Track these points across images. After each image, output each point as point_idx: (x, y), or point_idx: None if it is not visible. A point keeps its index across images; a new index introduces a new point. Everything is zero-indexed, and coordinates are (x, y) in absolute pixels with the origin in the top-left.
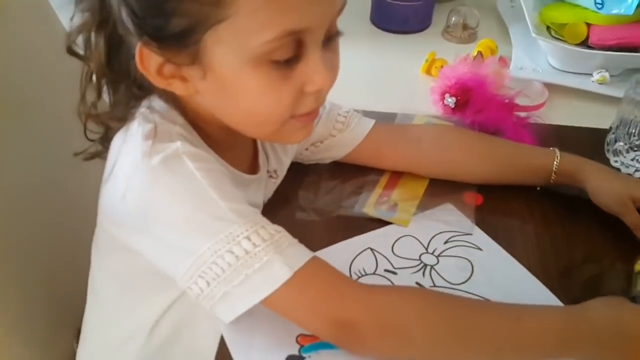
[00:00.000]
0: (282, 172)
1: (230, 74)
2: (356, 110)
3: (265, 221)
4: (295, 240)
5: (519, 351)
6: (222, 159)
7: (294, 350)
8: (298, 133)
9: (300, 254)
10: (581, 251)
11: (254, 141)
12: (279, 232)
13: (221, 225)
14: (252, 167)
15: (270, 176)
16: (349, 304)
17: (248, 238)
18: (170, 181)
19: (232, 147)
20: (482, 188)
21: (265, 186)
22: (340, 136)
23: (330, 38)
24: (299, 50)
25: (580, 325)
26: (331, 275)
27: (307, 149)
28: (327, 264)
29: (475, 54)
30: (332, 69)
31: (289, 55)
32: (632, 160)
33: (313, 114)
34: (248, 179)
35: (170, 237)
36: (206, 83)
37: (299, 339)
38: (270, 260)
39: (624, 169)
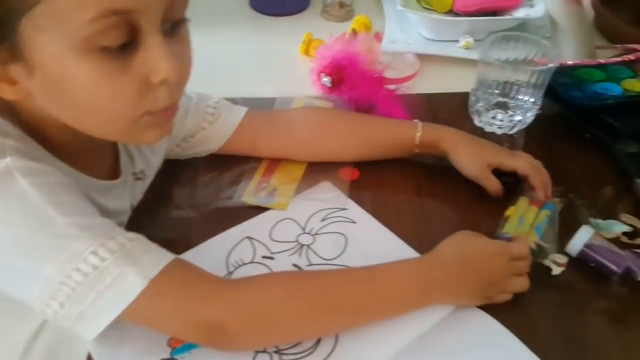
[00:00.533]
0: (152, 172)
1: (57, 66)
2: (229, 99)
3: (116, 231)
4: (154, 246)
5: (382, 307)
6: (71, 167)
7: (166, 354)
8: (154, 132)
9: (157, 260)
10: (452, 216)
11: (114, 142)
12: (133, 241)
13: (62, 243)
14: (114, 171)
15: (137, 178)
16: (212, 305)
17: (95, 253)
18: (1, 203)
19: (83, 152)
20: (359, 162)
21: (132, 189)
22: (212, 128)
23: (176, 25)
24: (134, 35)
25: (433, 270)
26: (192, 277)
27: (178, 145)
28: (189, 265)
29: (350, 31)
30: (180, 58)
31: (121, 41)
32: (493, 118)
33: (170, 111)
34: (108, 184)
35: (11, 262)
36: (35, 81)
37: (170, 342)
38: (122, 273)
39: (487, 128)
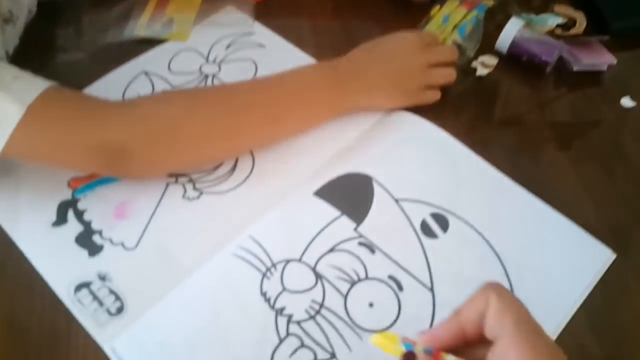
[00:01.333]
0: (22, 13)
1: None
2: None
3: None
4: (24, 73)
5: (292, 111)
6: None
7: (67, 196)
8: None
9: (32, 86)
10: (375, 32)
11: None
12: None
13: None
14: None
15: (5, 19)
16: (107, 125)
17: None
18: None
19: None
20: None
21: (1, 33)
22: None
23: None
24: None
25: (339, 65)
26: (80, 101)
27: None
28: (72, 92)
29: None
30: None
31: None
32: None
33: None
34: None
35: None
36: None
37: (70, 183)
38: None
39: None
